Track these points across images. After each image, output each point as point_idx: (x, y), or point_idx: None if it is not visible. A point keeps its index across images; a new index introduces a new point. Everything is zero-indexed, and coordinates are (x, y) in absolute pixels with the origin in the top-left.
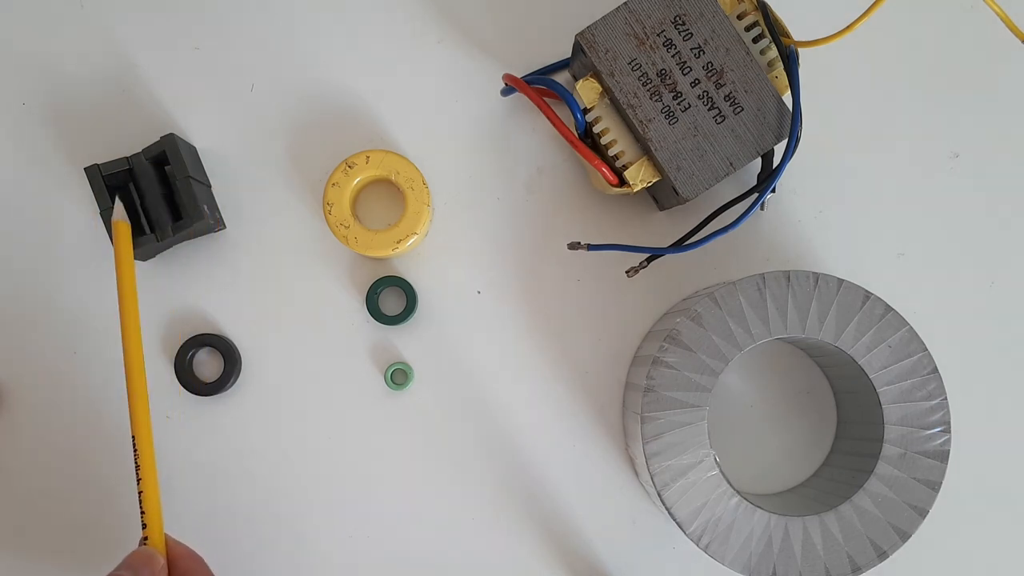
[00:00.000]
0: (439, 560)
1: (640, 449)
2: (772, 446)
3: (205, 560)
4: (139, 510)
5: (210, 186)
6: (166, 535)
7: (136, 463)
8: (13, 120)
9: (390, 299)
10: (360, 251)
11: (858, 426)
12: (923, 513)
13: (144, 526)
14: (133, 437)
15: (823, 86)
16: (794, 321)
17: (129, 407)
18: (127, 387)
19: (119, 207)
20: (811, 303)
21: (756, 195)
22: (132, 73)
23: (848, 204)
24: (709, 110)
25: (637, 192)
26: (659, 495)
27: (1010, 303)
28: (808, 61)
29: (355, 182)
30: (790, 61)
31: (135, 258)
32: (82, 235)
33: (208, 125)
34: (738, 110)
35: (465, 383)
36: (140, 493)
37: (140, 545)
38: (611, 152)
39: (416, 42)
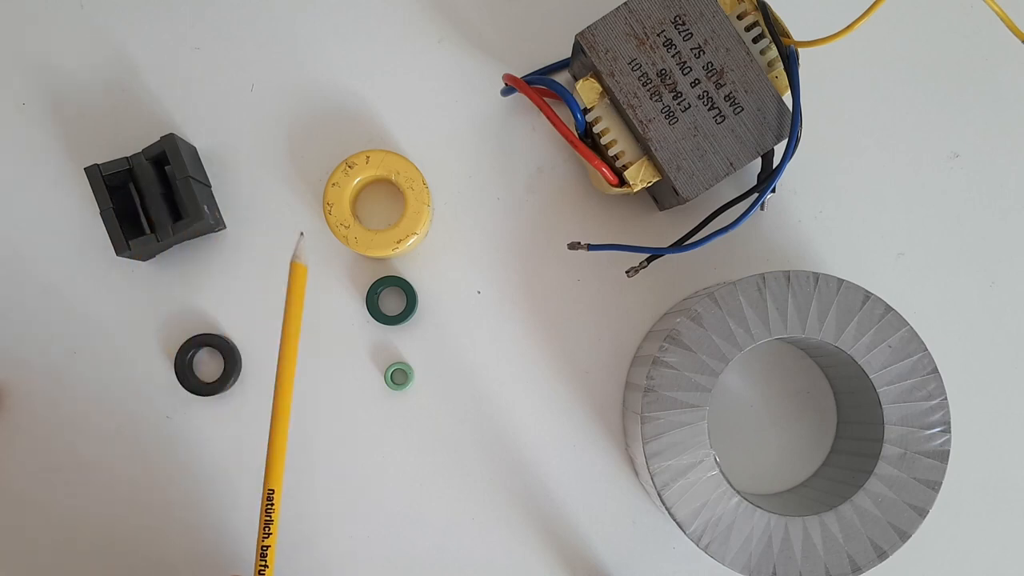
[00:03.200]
0: (439, 560)
1: (640, 449)
2: (772, 446)
3: None
4: (261, 563)
5: (210, 186)
6: None
7: (268, 517)
8: (13, 120)
9: (390, 299)
10: (360, 251)
11: (858, 426)
12: (923, 513)
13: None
14: (271, 490)
15: (823, 86)
16: (794, 321)
17: (268, 459)
18: (270, 434)
19: (302, 245)
20: (811, 303)
21: (756, 195)
22: (132, 73)
23: (848, 204)
24: (709, 110)
25: (637, 192)
26: (659, 495)
27: (1010, 303)
28: (808, 61)
29: (355, 182)
30: (790, 61)
31: (136, 258)
32: (82, 235)
33: (208, 125)
34: (738, 110)
35: (465, 383)
36: (266, 548)
37: None
38: (611, 152)
39: (417, 42)
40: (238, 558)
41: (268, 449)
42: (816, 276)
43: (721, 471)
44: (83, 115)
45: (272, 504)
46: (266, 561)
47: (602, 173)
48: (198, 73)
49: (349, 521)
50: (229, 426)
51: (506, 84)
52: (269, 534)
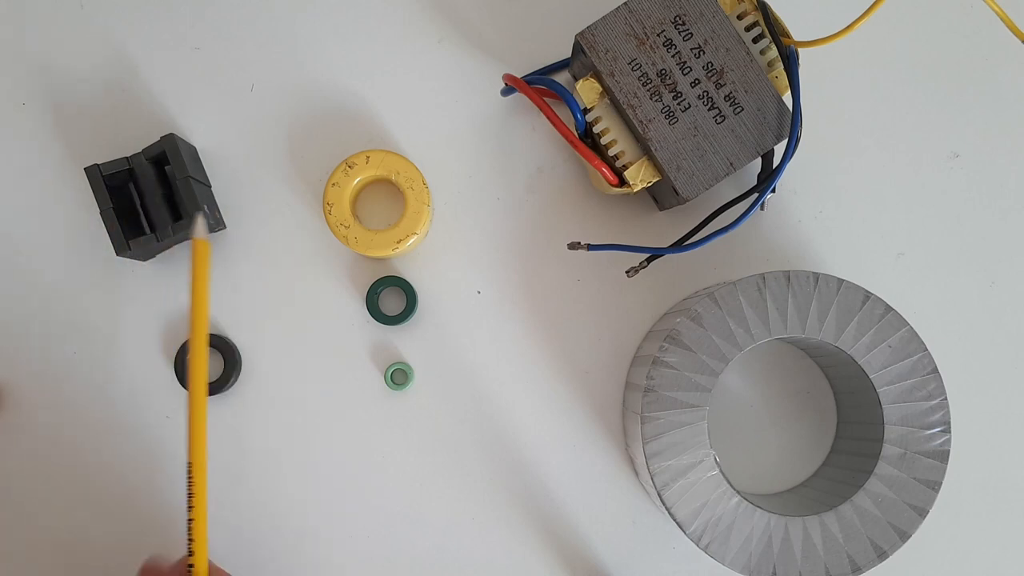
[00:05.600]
0: (439, 560)
1: (640, 449)
2: (772, 446)
3: None
4: (187, 538)
5: (210, 186)
6: (210, 562)
7: (189, 490)
8: (13, 120)
9: (390, 299)
10: (360, 251)
11: (858, 426)
12: (923, 513)
13: (191, 553)
14: (189, 464)
15: (823, 86)
16: (794, 321)
17: (189, 433)
18: (189, 411)
19: (201, 224)
20: (811, 303)
21: (756, 195)
22: (132, 73)
23: (848, 204)
24: (709, 110)
25: (637, 192)
26: (659, 495)
27: (1010, 303)
28: (808, 61)
29: (355, 182)
30: (790, 61)
31: (136, 258)
32: (82, 235)
33: (208, 125)
34: (738, 110)
35: (465, 383)
36: (190, 521)
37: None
38: (611, 152)
39: (417, 42)
40: (237, 557)
41: (188, 425)
42: (816, 276)
43: (721, 471)
44: (83, 115)
45: (192, 478)
46: (191, 535)
47: (602, 173)
48: (198, 73)
49: (349, 521)
50: (229, 426)
51: (506, 84)
52: (191, 507)
